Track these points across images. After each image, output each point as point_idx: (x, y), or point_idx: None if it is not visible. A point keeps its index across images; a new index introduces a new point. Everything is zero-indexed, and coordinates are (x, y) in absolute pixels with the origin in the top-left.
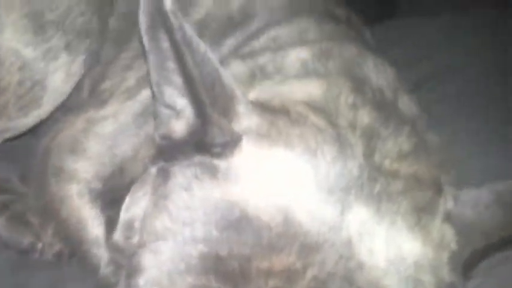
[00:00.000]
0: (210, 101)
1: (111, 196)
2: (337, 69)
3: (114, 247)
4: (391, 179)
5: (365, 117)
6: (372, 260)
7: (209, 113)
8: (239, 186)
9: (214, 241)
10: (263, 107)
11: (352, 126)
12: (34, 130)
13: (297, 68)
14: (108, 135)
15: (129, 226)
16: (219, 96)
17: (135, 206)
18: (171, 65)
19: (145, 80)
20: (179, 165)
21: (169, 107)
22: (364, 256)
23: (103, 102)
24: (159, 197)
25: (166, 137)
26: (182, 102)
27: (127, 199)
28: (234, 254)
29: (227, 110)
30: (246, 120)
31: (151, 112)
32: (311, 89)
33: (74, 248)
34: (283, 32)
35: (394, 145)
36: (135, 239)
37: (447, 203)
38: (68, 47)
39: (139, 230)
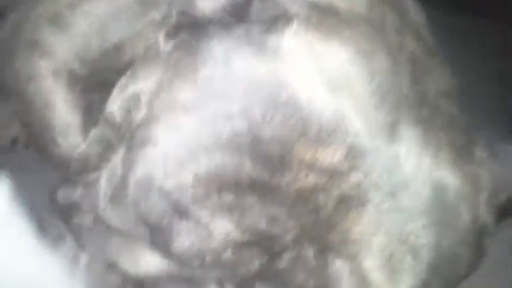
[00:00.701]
0: None
1: (96, 79)
2: None
3: (107, 121)
4: (434, 111)
5: (409, 44)
6: (417, 182)
7: None
8: (291, 67)
9: (254, 119)
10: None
11: (400, 48)
12: None
13: None
14: (100, 15)
15: (132, 100)
16: None
17: (139, 82)
18: None
19: None
20: (211, 38)
21: None
22: (409, 176)
23: None
24: (181, 70)
25: (186, 13)
26: None
27: (125, 77)
28: (276, 137)
29: None
30: (295, 4)
31: None
32: (354, 2)
33: (34, 135)
34: None
35: (435, 81)
36: (141, 112)
37: (482, 152)
38: None
39: (149, 103)
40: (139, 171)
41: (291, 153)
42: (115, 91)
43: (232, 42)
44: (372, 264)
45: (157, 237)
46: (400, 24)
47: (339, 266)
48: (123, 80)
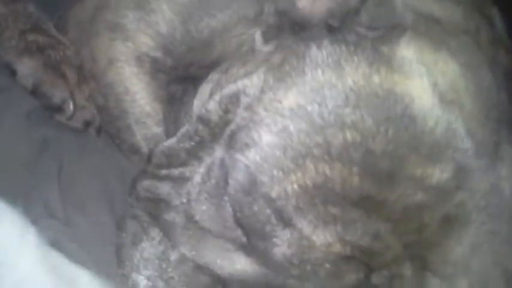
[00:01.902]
0: None
1: (180, 72)
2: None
3: (201, 118)
4: None
5: (503, 59)
6: None
7: None
8: (406, 80)
9: (367, 131)
10: (413, 8)
11: (495, 63)
12: None
13: None
14: (185, 4)
15: (231, 100)
16: None
17: (238, 81)
18: None
19: None
20: (318, 42)
21: None
22: (508, 199)
23: None
24: (287, 73)
25: (286, 13)
26: None
27: (216, 73)
28: (388, 151)
29: None
30: (410, 12)
31: None
32: (449, 12)
33: (108, 120)
34: None
35: None
36: (242, 113)
37: None
38: None
39: (250, 104)
40: (241, 176)
41: (402, 168)
42: (205, 86)
43: (343, 48)
44: (467, 286)
45: (256, 242)
46: (493, 36)
47: (436, 286)
48: (214, 76)
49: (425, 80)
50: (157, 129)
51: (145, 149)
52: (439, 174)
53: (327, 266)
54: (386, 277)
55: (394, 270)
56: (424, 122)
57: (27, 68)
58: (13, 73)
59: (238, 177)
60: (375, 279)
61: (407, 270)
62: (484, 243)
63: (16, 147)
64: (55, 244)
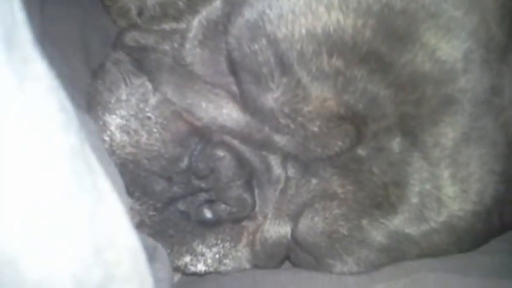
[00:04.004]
0: None
1: None
2: None
3: None
4: None
5: None
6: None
7: None
8: None
9: None
10: None
11: None
12: None
13: None
14: None
15: None
16: None
17: None
18: None
19: None
20: None
21: None
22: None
23: None
24: None
25: None
26: None
27: None
28: (408, 10)
29: None
30: None
31: None
32: None
33: None
34: None
35: None
36: None
37: None
38: None
39: None
40: (247, 13)
41: (417, 32)
42: None
43: None
44: (450, 176)
45: (249, 86)
46: None
47: (420, 169)
48: None
49: None
50: None
51: (135, 10)
52: (451, 50)
53: (318, 122)
54: (373, 148)
55: (383, 143)
56: None
57: None
58: None
59: (244, 12)
60: (361, 150)
61: (396, 144)
62: (475, 138)
63: None
64: None
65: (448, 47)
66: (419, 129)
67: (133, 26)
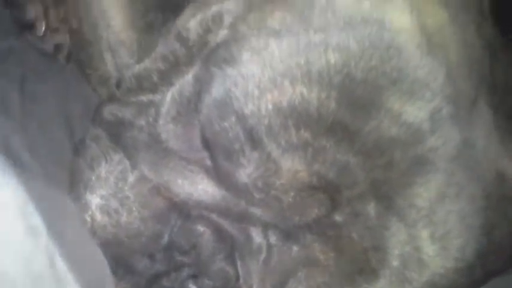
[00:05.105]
0: None
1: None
2: None
3: (179, 38)
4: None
5: (488, 29)
6: (483, 165)
7: None
8: (397, 12)
9: (350, 56)
10: None
11: (481, 28)
12: None
13: None
14: None
15: (214, 19)
16: None
17: (224, 1)
18: None
19: None
20: None
21: None
22: (479, 156)
23: None
24: None
25: None
26: None
27: None
28: (369, 79)
29: None
30: None
31: None
32: None
33: (81, 45)
34: None
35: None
36: (223, 32)
37: None
38: None
39: (233, 23)
40: (215, 91)
41: (380, 99)
42: (189, 9)
43: None
44: (428, 235)
45: (222, 162)
46: (481, 9)
47: (398, 231)
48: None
49: (415, 17)
50: (130, 60)
51: (114, 80)
52: (417, 112)
53: (291, 194)
54: (349, 214)
55: (358, 208)
56: (409, 57)
57: None
58: None
59: (212, 90)
60: (338, 216)
61: (372, 209)
62: (451, 195)
63: None
64: (7, 147)
65: (414, 109)
66: (393, 192)
67: (112, 98)
